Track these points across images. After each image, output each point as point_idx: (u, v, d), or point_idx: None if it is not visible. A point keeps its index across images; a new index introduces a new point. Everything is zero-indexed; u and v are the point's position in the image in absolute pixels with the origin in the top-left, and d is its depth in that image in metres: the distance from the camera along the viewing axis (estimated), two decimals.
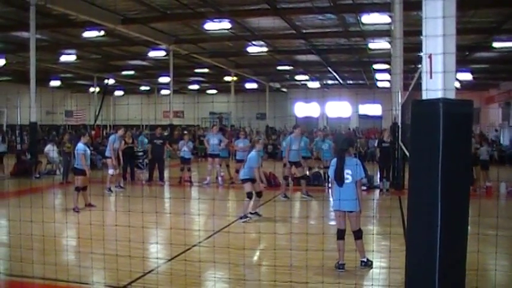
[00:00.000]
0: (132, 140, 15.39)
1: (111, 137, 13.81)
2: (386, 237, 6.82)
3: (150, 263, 6.59)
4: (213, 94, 43.61)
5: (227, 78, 33.64)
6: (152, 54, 24.54)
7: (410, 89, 9.90)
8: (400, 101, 13.20)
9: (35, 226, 6.56)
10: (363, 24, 17.71)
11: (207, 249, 6.99)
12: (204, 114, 40.91)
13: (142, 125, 33.71)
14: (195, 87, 40.90)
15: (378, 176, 14.18)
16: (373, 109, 36.25)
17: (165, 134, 18.21)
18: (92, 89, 37.28)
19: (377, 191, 13.77)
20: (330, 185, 7.69)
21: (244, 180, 9.62)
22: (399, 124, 13.28)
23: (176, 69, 26.13)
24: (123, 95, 44.55)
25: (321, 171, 15.14)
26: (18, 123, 23.76)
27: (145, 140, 16.40)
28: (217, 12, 16.85)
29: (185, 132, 21.40)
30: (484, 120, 34.38)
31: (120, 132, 13.97)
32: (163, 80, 32.21)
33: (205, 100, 40.82)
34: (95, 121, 32.81)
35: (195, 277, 5.88)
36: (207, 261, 6.22)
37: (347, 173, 6.17)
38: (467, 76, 26.71)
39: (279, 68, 30.15)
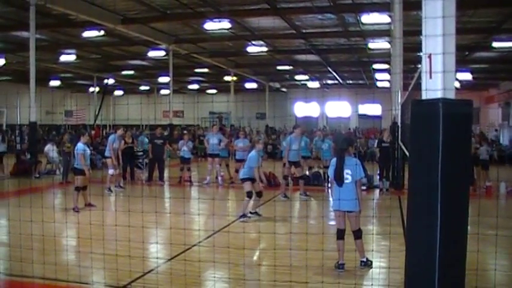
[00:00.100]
0: (132, 140, 15.39)
1: (111, 137, 13.82)
2: (386, 237, 6.83)
3: (150, 262, 6.59)
4: (212, 94, 43.62)
5: (227, 78, 33.64)
6: (152, 54, 24.52)
7: (410, 89, 9.90)
8: (399, 100, 13.20)
9: (35, 226, 6.56)
10: (363, 24, 17.71)
11: (207, 249, 6.99)
12: (204, 114, 40.93)
13: (142, 125, 33.74)
14: (195, 87, 40.89)
15: (378, 175, 14.18)
16: (373, 109, 36.25)
17: (165, 133, 18.19)
18: (91, 89, 37.28)
19: (377, 191, 13.78)
20: (329, 185, 7.69)
21: (243, 180, 9.62)
22: (399, 124, 13.28)
23: (176, 69, 26.13)
24: (123, 94, 44.56)
25: (321, 171, 15.14)
26: (18, 123, 23.76)
27: (146, 140, 16.39)
28: (217, 12, 16.85)
29: (185, 132, 21.38)
30: (483, 120, 34.39)
31: (120, 131, 13.97)
32: (163, 79, 32.21)
33: (205, 100, 40.82)
34: (95, 121, 32.84)
35: (195, 277, 5.88)
36: (207, 261, 6.22)
37: (347, 173, 6.17)
38: (467, 76, 26.70)
39: (279, 67, 30.15)
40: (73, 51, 24.93)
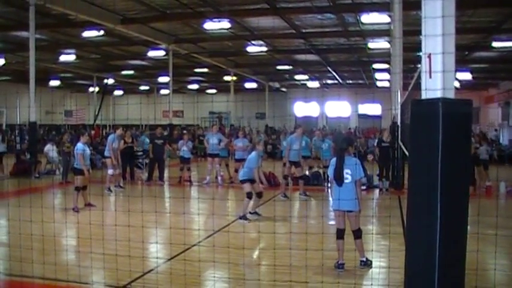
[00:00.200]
0: (131, 140, 15.38)
1: (110, 137, 13.82)
2: (386, 237, 6.83)
3: (149, 262, 6.60)
4: (212, 94, 43.62)
5: (227, 78, 33.64)
6: (152, 53, 24.53)
7: (409, 88, 9.90)
8: (399, 100, 13.21)
9: (35, 226, 6.56)
10: (363, 23, 17.72)
11: (207, 248, 7.00)
12: (204, 114, 40.93)
13: (143, 125, 33.75)
14: (195, 86, 40.89)
15: (377, 175, 14.18)
16: (373, 109, 36.26)
17: (165, 133, 18.20)
18: (91, 89, 37.29)
19: (376, 191, 13.78)
20: (329, 185, 7.69)
21: (243, 181, 9.62)
22: (399, 124, 13.28)
23: (176, 69, 26.13)
24: (123, 94, 44.55)
25: (321, 171, 15.15)
26: (18, 122, 23.77)
27: (147, 140, 16.37)
28: (216, 12, 16.85)
29: (185, 131, 21.39)
30: (483, 119, 34.42)
31: (119, 131, 13.97)
32: (163, 79, 32.21)
33: (205, 100, 40.82)
34: (95, 121, 32.84)
35: (195, 277, 5.88)
36: (207, 260, 6.22)
37: (346, 173, 6.17)
38: (466, 76, 26.72)
39: (279, 67, 30.15)
40: (73, 51, 24.93)
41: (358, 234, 6.26)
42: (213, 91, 43.38)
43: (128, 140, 14.77)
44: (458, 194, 3.87)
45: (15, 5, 16.10)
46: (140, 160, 16.52)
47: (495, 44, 20.20)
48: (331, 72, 31.08)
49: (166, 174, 15.94)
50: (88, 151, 10.93)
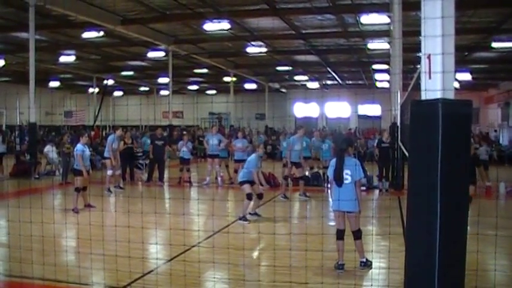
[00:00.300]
0: (131, 141, 15.37)
1: (110, 137, 13.81)
2: (386, 238, 6.83)
3: (149, 263, 6.59)
4: (212, 94, 43.63)
5: (226, 79, 33.65)
6: (151, 54, 24.54)
7: (409, 89, 9.90)
8: (399, 101, 13.21)
9: (35, 227, 6.56)
10: (362, 24, 17.73)
11: (207, 249, 6.99)
12: (204, 115, 40.92)
13: (143, 126, 33.73)
14: (194, 87, 40.91)
15: (377, 176, 14.18)
16: (373, 109, 36.25)
17: (164, 134, 18.20)
18: (91, 90, 37.29)
19: (376, 191, 13.78)
20: (329, 185, 7.70)
21: (242, 183, 9.62)
22: (398, 124, 13.28)
23: (175, 70, 26.12)
24: (123, 95, 44.55)
25: (320, 172, 15.15)
26: (18, 123, 23.76)
27: (149, 141, 16.35)
28: (216, 13, 16.85)
29: (184, 132, 21.39)
30: (483, 120, 34.42)
31: (119, 132, 13.96)
32: (163, 80, 32.22)
33: (205, 100, 40.83)
34: (95, 122, 32.83)
35: (195, 277, 5.88)
36: (207, 261, 6.22)
37: (346, 173, 6.17)
38: (466, 76, 26.72)
39: (278, 68, 30.16)
40: (73, 52, 24.95)
41: (358, 235, 6.25)
42: (213, 92, 43.39)
43: (127, 141, 14.76)
44: (458, 194, 3.87)
45: (14, 5, 16.10)
46: (140, 161, 16.51)
47: (495, 45, 20.21)
48: (330, 73, 31.09)
49: (166, 175, 15.94)
50: (88, 152, 10.93)
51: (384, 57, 21.25)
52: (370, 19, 16.23)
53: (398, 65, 13.80)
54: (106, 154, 13.33)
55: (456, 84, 4.25)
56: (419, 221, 3.91)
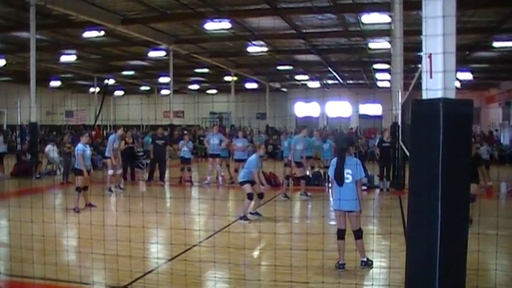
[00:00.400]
0: (132, 140, 15.36)
1: (111, 137, 13.80)
2: (387, 237, 6.83)
3: (150, 263, 6.60)
4: (213, 94, 43.63)
5: (227, 78, 33.66)
6: (152, 54, 24.55)
7: (410, 88, 9.89)
8: (400, 100, 13.20)
9: (36, 226, 6.56)
10: (363, 23, 17.71)
11: (208, 249, 7.00)
12: (204, 114, 40.91)
13: (144, 125, 33.74)
14: (195, 87, 40.91)
15: (378, 176, 14.18)
16: (373, 109, 36.23)
17: (165, 134, 18.20)
18: (92, 89, 37.30)
19: (377, 191, 13.78)
20: (330, 185, 7.70)
21: (242, 182, 9.62)
22: (399, 124, 13.27)
23: (176, 69, 26.13)
24: (123, 95, 44.56)
25: (321, 171, 15.15)
26: (18, 123, 23.76)
27: (150, 141, 16.36)
28: (217, 12, 16.85)
29: (185, 132, 21.40)
30: (484, 120, 34.39)
31: (120, 131, 13.96)
32: (164, 80, 32.23)
33: (205, 100, 40.85)
34: (95, 121, 32.85)
35: (196, 277, 5.88)
36: (208, 261, 6.22)
37: (347, 173, 6.17)
38: (467, 76, 26.70)
39: (279, 67, 30.15)
40: (73, 51, 24.95)
41: (358, 234, 6.25)
42: (214, 91, 43.39)
43: (128, 141, 14.76)
44: (459, 194, 3.87)
45: (15, 5, 16.10)
46: (141, 160, 16.51)
47: (496, 44, 20.19)
48: (331, 73, 31.07)
49: (166, 175, 15.94)
50: (88, 151, 10.93)
51: (385, 56, 21.24)
52: (371, 18, 16.22)
53: (399, 64, 13.79)
54: (107, 154, 13.32)
55: (457, 84, 4.25)
56: (420, 221, 3.91)
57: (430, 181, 3.79)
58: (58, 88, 37.40)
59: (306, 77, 34.50)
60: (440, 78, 3.81)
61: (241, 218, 9.37)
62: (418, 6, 4.03)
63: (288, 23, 18.62)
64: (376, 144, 15.08)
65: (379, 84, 33.12)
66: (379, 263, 6.49)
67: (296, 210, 11.29)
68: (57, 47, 23.52)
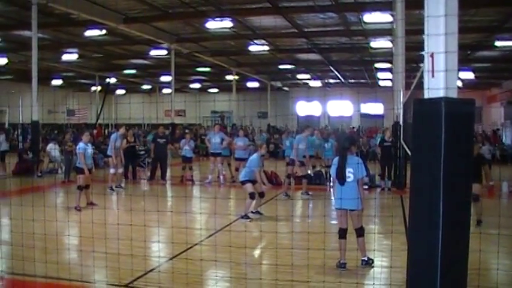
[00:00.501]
0: (134, 139, 15.36)
1: (113, 136, 13.81)
2: (388, 236, 6.83)
3: (151, 261, 6.61)
4: (214, 93, 43.64)
5: (229, 77, 33.66)
6: (154, 53, 24.56)
7: (412, 88, 9.88)
8: (402, 99, 13.18)
9: (37, 225, 6.56)
10: (365, 23, 17.70)
11: (209, 247, 7.00)
12: (206, 113, 40.93)
13: (145, 124, 33.73)
14: (197, 86, 40.91)
15: (379, 175, 14.17)
16: (375, 108, 36.21)
17: (166, 133, 18.20)
18: (93, 88, 37.34)
19: (378, 190, 13.76)
20: (331, 184, 7.70)
21: (244, 182, 9.62)
22: (401, 123, 13.26)
23: (178, 68, 26.15)
24: (125, 93, 44.57)
25: (323, 170, 15.14)
26: (20, 121, 23.81)
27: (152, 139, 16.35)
28: (218, 11, 16.85)
29: (187, 131, 21.40)
30: (486, 119, 34.35)
31: (122, 130, 13.98)
32: (165, 78, 32.22)
33: (207, 99, 40.83)
34: (97, 120, 32.89)
35: (197, 276, 5.88)
36: (209, 259, 6.22)
37: (349, 171, 6.18)
38: (469, 75, 26.67)
39: (281, 66, 30.14)
40: (75, 50, 24.98)
41: (360, 232, 6.26)
42: (215, 90, 43.40)
43: (130, 139, 14.76)
44: (460, 193, 3.86)
45: (17, 4, 16.12)
46: (142, 159, 16.52)
47: (498, 43, 20.16)
48: (333, 72, 31.06)
49: (168, 174, 15.94)
50: (90, 150, 10.93)
51: (387, 55, 21.23)
52: (373, 17, 16.21)
53: (401, 63, 13.77)
54: (109, 152, 13.33)
55: (459, 83, 4.25)
56: (422, 220, 3.90)
57: (432, 180, 3.78)
58: (60, 87, 37.45)
59: (308, 76, 34.49)
60: (442, 77, 3.80)
61: (242, 217, 9.37)
62: (420, 5, 4.02)
63: (290, 22, 18.61)
64: (378, 143, 15.06)
65: (381, 83, 33.11)
66: (380, 262, 6.48)
67: (297, 209, 11.28)
68: (59, 46, 23.55)
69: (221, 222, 8.71)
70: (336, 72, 31.32)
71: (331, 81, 37.18)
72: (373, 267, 6.28)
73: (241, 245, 6.49)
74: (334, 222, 7.98)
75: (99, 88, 36.17)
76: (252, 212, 9.62)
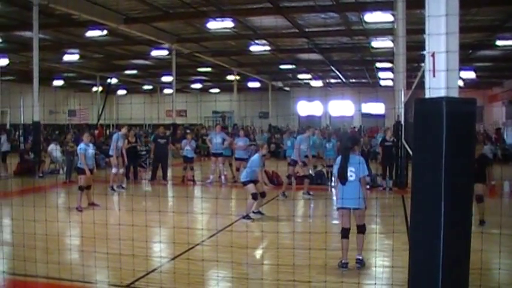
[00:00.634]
0: (135, 139, 15.37)
1: (114, 136, 13.83)
2: (390, 236, 6.82)
3: (153, 261, 6.61)
4: (215, 93, 43.64)
5: (230, 77, 33.65)
6: (155, 53, 24.56)
7: (413, 87, 9.87)
8: (403, 99, 13.17)
9: (38, 225, 6.56)
10: (366, 22, 17.69)
11: (210, 248, 7.00)
12: (207, 113, 40.94)
13: (146, 124, 33.72)
14: (198, 86, 40.92)
15: (380, 175, 14.15)
16: (376, 108, 36.19)
17: (167, 133, 18.19)
18: (94, 88, 37.37)
19: (380, 190, 13.75)
20: (334, 184, 7.71)
21: (245, 182, 9.62)
22: (402, 123, 13.25)
23: (179, 68, 26.14)
24: (126, 94, 44.59)
25: (324, 170, 15.13)
26: (22, 122, 23.83)
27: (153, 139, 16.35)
28: (219, 11, 16.84)
29: (188, 131, 21.40)
30: (487, 118, 34.32)
31: (123, 130, 13.99)
32: (166, 79, 32.27)
33: (208, 99, 40.84)
34: (98, 120, 32.93)
35: (198, 276, 5.88)
36: (210, 260, 6.22)
37: (351, 171, 6.19)
38: (470, 74, 26.64)
39: (282, 66, 30.14)
40: (76, 50, 24.99)
41: (362, 229, 6.29)
42: (216, 90, 43.39)
43: (131, 140, 14.76)
44: (462, 193, 3.85)
45: (18, 4, 16.13)
46: (143, 159, 16.52)
47: (499, 43, 20.14)
48: (334, 71, 31.04)
49: (169, 174, 15.95)
50: (91, 150, 10.91)
51: (388, 55, 21.21)
52: (374, 17, 16.20)
53: (402, 63, 13.76)
54: (111, 152, 13.35)
55: (460, 83, 4.24)
56: (423, 220, 3.90)
57: (433, 180, 3.78)
58: (61, 87, 37.49)
59: (309, 76, 34.48)
60: (444, 77, 3.79)
61: (244, 217, 9.37)
62: (421, 4, 4.01)
63: (291, 22, 18.59)
64: (379, 143, 15.06)
65: (382, 83, 33.09)
66: (382, 262, 6.47)
67: (299, 209, 11.28)
68: (60, 46, 23.56)
69: (222, 223, 8.71)
70: (337, 72, 31.30)
71: (332, 81, 37.17)
72: (364, 266, 6.28)
73: (242, 245, 6.49)
74: (335, 222, 7.99)
75: (100, 88, 36.19)
76: (254, 212, 9.61)
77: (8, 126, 27.97)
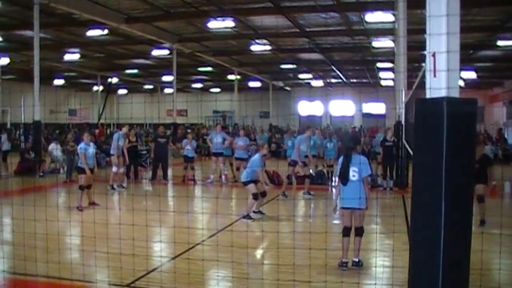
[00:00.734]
0: (136, 139, 15.36)
1: (115, 135, 13.85)
2: (390, 236, 6.82)
3: (153, 261, 6.61)
4: (216, 92, 43.63)
5: (230, 77, 33.66)
6: (156, 52, 24.56)
7: (414, 87, 9.86)
8: (403, 99, 13.16)
9: (39, 224, 6.57)
10: (367, 22, 17.68)
11: (211, 247, 7.00)
12: (208, 113, 40.91)
13: (146, 124, 33.71)
14: (199, 85, 40.92)
15: (381, 175, 14.15)
16: (377, 108, 36.17)
17: (167, 133, 18.20)
18: (95, 88, 37.39)
19: (380, 190, 13.74)
20: (335, 184, 7.71)
21: (246, 182, 9.61)
22: (403, 123, 13.24)
23: (179, 68, 26.14)
24: (127, 93, 44.59)
25: (325, 170, 15.13)
26: (22, 121, 23.84)
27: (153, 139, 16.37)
28: (220, 11, 16.84)
29: (188, 130, 21.40)
30: (488, 118, 34.29)
31: (124, 129, 14.00)
32: (167, 78, 32.25)
33: (209, 98, 40.84)
34: (99, 120, 32.94)
35: (199, 275, 5.88)
36: (211, 259, 6.22)
37: (353, 170, 6.19)
38: (471, 74, 26.61)
39: (283, 66, 30.14)
40: (77, 50, 25.01)
41: (360, 232, 6.27)
42: (217, 90, 43.39)
43: (132, 139, 14.76)
44: (462, 193, 3.85)
45: (19, 4, 16.14)
46: (144, 159, 16.53)
47: (500, 43, 20.13)
48: (335, 71, 31.03)
49: (170, 173, 15.95)
50: (91, 150, 10.90)
51: (389, 55, 21.19)
52: (375, 17, 16.19)
53: (402, 63, 13.75)
54: (112, 151, 13.37)
55: (461, 83, 4.23)
56: (424, 220, 3.90)
57: (434, 180, 3.78)
58: (62, 86, 37.49)
59: (310, 76, 34.47)
60: (444, 77, 3.79)
61: (244, 217, 9.36)
62: (422, 4, 4.01)
63: (292, 22, 18.60)
64: (380, 143, 15.05)
65: (383, 83, 33.07)
66: (382, 262, 6.47)
67: (299, 209, 11.28)
68: (60, 46, 23.57)
69: (223, 222, 8.71)
70: (338, 72, 31.28)
71: (333, 81, 37.14)
72: (362, 267, 6.28)
73: (243, 244, 6.49)
74: (336, 222, 7.99)
75: (101, 88, 36.21)
76: (254, 212, 9.61)
77: (8, 126, 27.97)
